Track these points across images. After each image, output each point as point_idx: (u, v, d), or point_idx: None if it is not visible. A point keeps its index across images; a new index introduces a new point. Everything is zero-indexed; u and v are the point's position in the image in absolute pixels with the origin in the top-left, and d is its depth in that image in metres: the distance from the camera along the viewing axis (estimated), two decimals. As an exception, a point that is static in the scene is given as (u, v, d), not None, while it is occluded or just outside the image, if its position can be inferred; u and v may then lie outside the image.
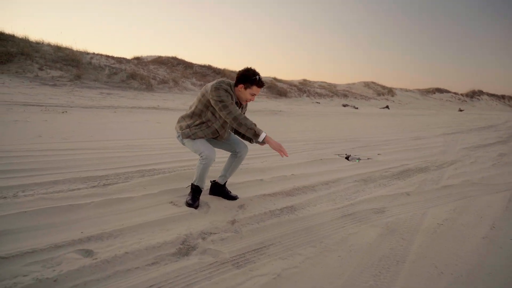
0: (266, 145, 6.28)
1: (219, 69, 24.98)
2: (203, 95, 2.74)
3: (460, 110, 35.49)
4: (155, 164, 4.07)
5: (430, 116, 22.26)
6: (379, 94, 37.29)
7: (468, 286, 1.95)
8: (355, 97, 32.27)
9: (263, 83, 2.77)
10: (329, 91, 31.16)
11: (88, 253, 1.97)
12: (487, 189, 3.99)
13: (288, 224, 2.64)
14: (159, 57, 25.15)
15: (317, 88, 31.49)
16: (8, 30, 18.97)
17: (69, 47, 18.24)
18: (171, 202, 2.87)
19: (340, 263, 2.09)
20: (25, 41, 16.52)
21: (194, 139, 2.79)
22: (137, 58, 23.69)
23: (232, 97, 2.69)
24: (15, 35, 16.79)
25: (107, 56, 19.60)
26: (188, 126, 2.82)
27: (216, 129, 2.81)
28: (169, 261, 1.98)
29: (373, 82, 40.59)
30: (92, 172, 3.50)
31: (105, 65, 17.93)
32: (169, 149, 5.08)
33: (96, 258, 1.89)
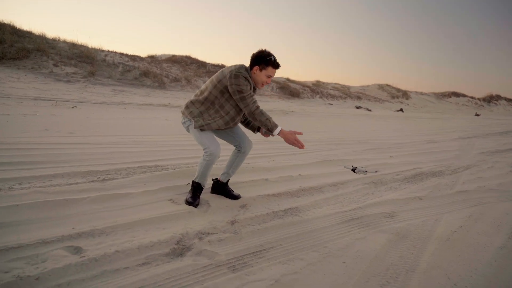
0: (274, 145, 6.19)
1: (232, 69, 24.85)
2: (219, 81, 2.58)
3: (477, 115, 34.64)
4: (158, 160, 3.98)
5: (445, 120, 21.75)
6: (393, 97, 36.70)
7: (485, 300, 1.78)
8: (369, 99, 31.81)
9: (279, 64, 2.64)
10: (343, 93, 30.79)
11: (77, 250, 1.87)
12: (505, 195, 3.77)
13: (291, 226, 2.50)
14: (173, 55, 25.23)
15: (330, 89, 31.17)
16: (26, 27, 19.22)
17: (84, 44, 18.47)
18: (171, 199, 2.76)
19: (344, 270, 1.94)
20: (41, 38, 16.75)
21: (203, 130, 2.65)
22: (151, 57, 23.83)
23: (251, 86, 2.59)
24: (32, 31, 17.06)
25: (121, 54, 19.75)
26: (201, 114, 2.64)
27: (229, 120, 2.67)
28: (161, 261, 1.86)
29: (387, 85, 39.96)
30: (94, 166, 3.42)
31: (119, 63, 18.06)
32: (175, 146, 4.99)
33: (84, 256, 1.79)
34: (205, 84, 2.70)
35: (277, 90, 24.45)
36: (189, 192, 2.79)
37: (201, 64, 24.32)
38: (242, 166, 3.97)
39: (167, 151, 4.54)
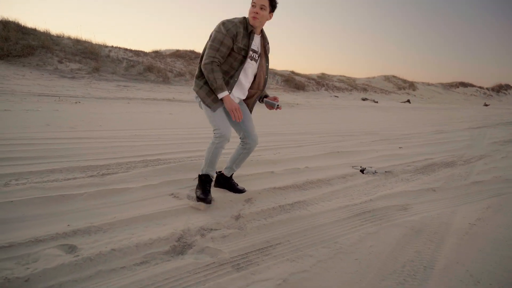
0: (279, 137, 6.05)
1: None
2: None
3: (486, 105, 34.03)
4: (160, 154, 3.86)
5: (453, 110, 21.37)
6: (399, 88, 36.20)
7: (511, 299, 1.63)
8: (375, 91, 31.41)
9: None
10: (348, 85, 30.42)
11: (71, 249, 1.75)
12: (524, 186, 3.59)
13: (299, 221, 2.37)
14: (177, 50, 25.06)
15: (335, 81, 30.81)
16: (30, 23, 19.19)
17: (88, 40, 18.35)
18: (172, 194, 2.64)
19: (357, 268, 1.80)
20: (46, 35, 16.66)
21: (215, 110, 2.43)
22: (155, 52, 23.68)
23: (234, 38, 2.32)
24: (37, 28, 16.98)
25: (125, 49, 19.62)
26: (206, 83, 2.41)
27: (231, 82, 2.42)
28: (161, 260, 1.74)
29: (393, 76, 39.40)
30: (93, 161, 3.31)
31: (123, 58, 17.94)
32: (177, 139, 4.87)
33: (78, 255, 1.67)
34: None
35: (282, 83, 24.20)
36: (197, 188, 2.59)
37: (205, 58, 24.09)
38: (247, 158, 3.83)
39: (169, 145, 4.42)
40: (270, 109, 2.63)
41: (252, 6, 2.36)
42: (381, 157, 4.67)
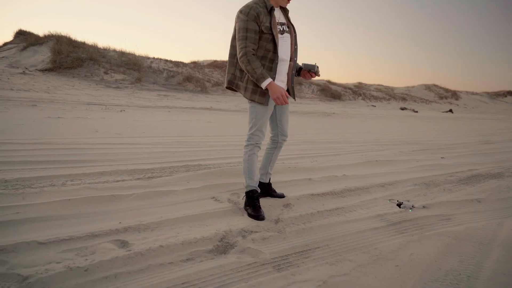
0: (316, 145, 6.06)
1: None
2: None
3: (538, 115, 31.86)
4: (201, 160, 4.01)
5: (500, 121, 20.23)
6: (441, 98, 34.79)
7: None
8: (415, 100, 30.42)
9: None
10: (386, 94, 29.69)
11: (124, 244, 1.89)
12: None
13: (338, 226, 2.38)
14: (215, 61, 25.71)
15: (373, 91, 30.18)
16: (80, 38, 20.56)
17: (132, 52, 19.34)
18: (213, 197, 2.75)
19: (398, 274, 1.80)
20: (94, 48, 17.79)
21: (261, 103, 2.31)
22: (194, 62, 24.44)
23: (258, 19, 2.19)
24: (86, 42, 18.18)
25: (166, 60, 20.44)
26: (240, 75, 2.34)
27: (270, 65, 2.29)
28: (205, 258, 1.84)
29: (434, 85, 37.94)
30: (139, 165, 3.51)
31: (164, 69, 18.70)
32: (216, 146, 5.02)
33: (130, 250, 1.80)
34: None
35: (318, 92, 24.08)
36: (246, 205, 2.48)
37: (242, 68, 24.51)
38: (284, 165, 3.90)
39: (209, 151, 4.57)
40: (307, 78, 2.51)
41: None
42: (421, 167, 4.55)
